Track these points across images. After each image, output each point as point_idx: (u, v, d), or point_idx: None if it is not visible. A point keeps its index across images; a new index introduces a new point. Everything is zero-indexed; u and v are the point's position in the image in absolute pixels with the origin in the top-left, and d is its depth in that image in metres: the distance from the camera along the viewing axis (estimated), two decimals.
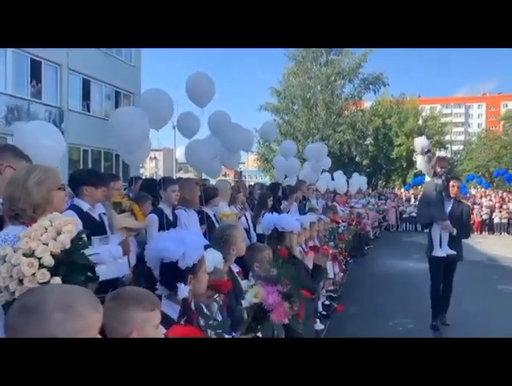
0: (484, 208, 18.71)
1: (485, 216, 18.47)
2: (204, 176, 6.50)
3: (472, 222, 14.86)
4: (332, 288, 6.51)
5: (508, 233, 17.81)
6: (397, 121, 31.66)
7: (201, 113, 5.24)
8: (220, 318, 2.24)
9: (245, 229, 4.85)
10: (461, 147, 45.79)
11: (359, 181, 14.61)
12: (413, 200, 20.27)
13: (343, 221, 8.80)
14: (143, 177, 11.54)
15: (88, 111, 17.60)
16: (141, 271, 2.92)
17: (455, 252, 5.47)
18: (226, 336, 2.01)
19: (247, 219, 5.35)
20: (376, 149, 30.02)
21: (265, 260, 3.15)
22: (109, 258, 2.88)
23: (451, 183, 5.61)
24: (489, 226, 18.39)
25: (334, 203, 9.90)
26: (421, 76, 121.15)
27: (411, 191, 22.94)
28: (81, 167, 15.02)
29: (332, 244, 6.46)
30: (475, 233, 16.55)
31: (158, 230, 3.63)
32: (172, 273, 1.99)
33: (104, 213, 3.20)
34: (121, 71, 18.69)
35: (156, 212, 3.87)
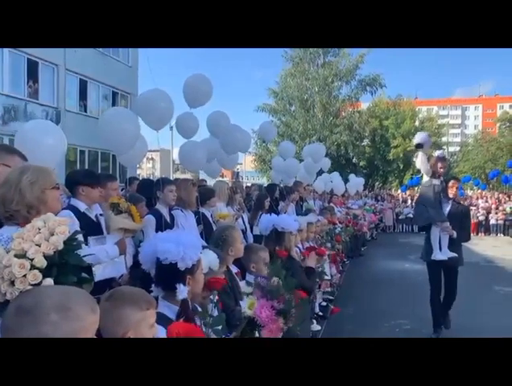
0: (480, 209, 18.79)
1: (481, 217, 18.55)
2: (201, 177, 6.50)
3: None
4: (329, 289, 6.51)
5: (504, 234, 17.88)
6: (394, 123, 31.76)
7: (199, 114, 5.24)
8: (216, 314, 2.25)
9: (242, 230, 4.85)
10: (458, 149, 45.97)
11: (358, 182, 14.62)
12: (409, 201, 20.36)
13: (340, 222, 8.82)
14: (140, 177, 11.51)
15: (85, 111, 17.56)
16: (137, 272, 2.91)
17: (456, 255, 5.13)
18: (223, 336, 2.02)
19: (244, 221, 5.35)
20: (373, 151, 30.08)
21: (261, 261, 3.16)
22: (106, 258, 2.88)
23: (450, 183, 5.36)
24: (485, 227, 18.48)
25: (331, 204, 9.92)
26: (418, 78, 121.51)
27: (408, 193, 23.01)
28: (78, 168, 14.97)
29: (329, 245, 6.46)
30: (472, 234, 16.56)
31: (156, 231, 3.62)
32: (171, 274, 1.99)
33: (101, 214, 3.19)
34: (118, 71, 18.67)
35: (153, 213, 3.87)
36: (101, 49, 16.92)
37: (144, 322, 1.54)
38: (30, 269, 1.40)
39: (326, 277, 5.25)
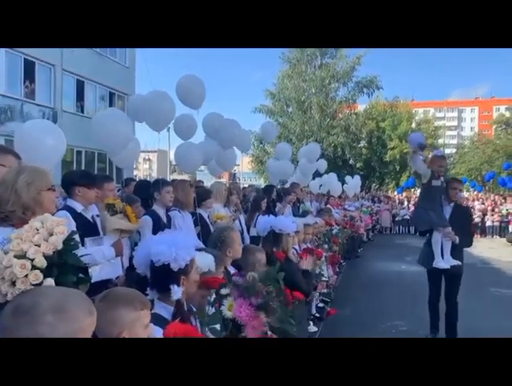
0: (476, 211, 18.84)
1: (477, 219, 18.60)
2: (200, 177, 6.50)
3: None
4: (325, 291, 6.51)
5: (500, 236, 17.94)
6: (390, 125, 31.82)
7: (196, 115, 5.24)
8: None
9: (239, 231, 4.85)
10: (454, 151, 46.14)
11: (355, 184, 14.63)
12: (406, 203, 20.43)
13: (337, 224, 8.82)
14: (137, 178, 11.48)
15: (82, 112, 17.50)
16: (133, 274, 2.90)
17: (460, 263, 4.82)
18: (220, 335, 2.01)
19: (241, 222, 5.35)
20: (369, 152, 30.13)
21: (257, 262, 3.15)
22: (102, 259, 2.87)
23: (454, 185, 5.02)
24: (481, 229, 18.53)
25: (328, 206, 9.93)
26: (415, 80, 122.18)
27: (404, 194, 23.08)
28: (75, 168, 14.92)
29: (326, 246, 6.46)
30: None
31: (153, 232, 3.61)
32: (165, 276, 1.98)
33: (97, 215, 3.18)
34: (116, 72, 18.64)
35: (150, 214, 3.86)
36: (98, 49, 16.88)
37: (139, 323, 1.54)
38: (31, 270, 1.39)
39: (324, 279, 5.25)
